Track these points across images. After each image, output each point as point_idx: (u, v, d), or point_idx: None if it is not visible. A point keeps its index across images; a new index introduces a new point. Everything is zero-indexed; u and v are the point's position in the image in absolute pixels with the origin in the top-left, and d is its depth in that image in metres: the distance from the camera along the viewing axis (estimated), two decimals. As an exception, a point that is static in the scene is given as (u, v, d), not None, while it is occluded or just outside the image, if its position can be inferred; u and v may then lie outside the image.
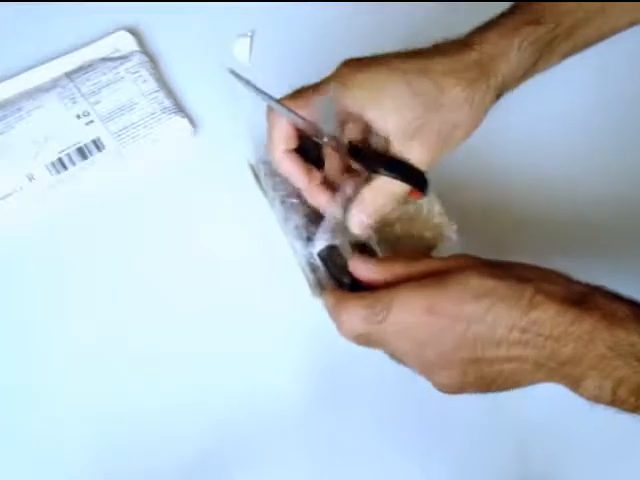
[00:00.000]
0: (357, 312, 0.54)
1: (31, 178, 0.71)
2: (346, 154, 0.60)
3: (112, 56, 0.77)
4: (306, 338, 0.68)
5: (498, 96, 0.60)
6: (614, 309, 0.51)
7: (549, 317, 0.51)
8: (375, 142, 0.60)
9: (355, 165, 0.61)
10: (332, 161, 0.62)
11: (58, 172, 0.72)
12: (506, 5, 0.62)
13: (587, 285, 0.53)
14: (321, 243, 0.61)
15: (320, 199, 0.62)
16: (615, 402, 0.51)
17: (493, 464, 0.65)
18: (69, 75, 0.76)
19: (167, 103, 0.75)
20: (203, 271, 0.70)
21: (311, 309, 0.67)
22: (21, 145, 0.72)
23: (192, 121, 0.76)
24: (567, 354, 0.51)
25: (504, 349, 0.52)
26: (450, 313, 0.52)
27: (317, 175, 0.62)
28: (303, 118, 0.60)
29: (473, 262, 0.54)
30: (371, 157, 0.59)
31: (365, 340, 0.55)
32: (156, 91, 0.76)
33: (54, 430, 0.65)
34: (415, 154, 0.58)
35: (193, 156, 0.75)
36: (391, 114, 0.58)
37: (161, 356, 0.67)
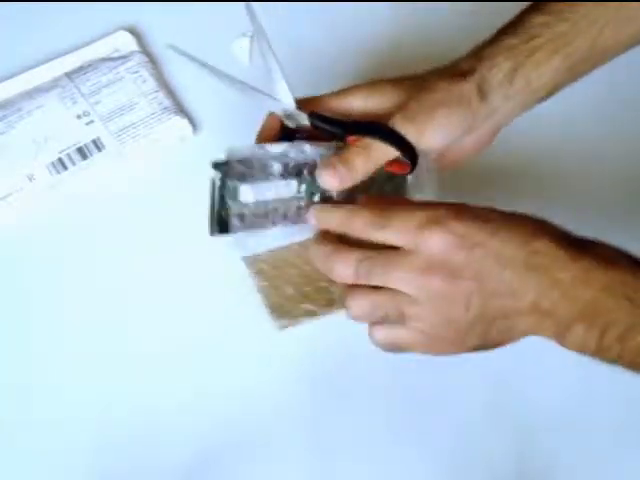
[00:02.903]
0: (362, 217, 0.54)
1: (31, 178, 0.72)
2: (312, 122, 0.60)
3: (112, 56, 0.77)
4: (306, 337, 0.68)
5: (481, 91, 0.60)
6: (610, 254, 0.52)
7: (550, 250, 0.51)
8: None
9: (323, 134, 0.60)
10: (269, 124, 0.63)
11: (58, 172, 0.72)
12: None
13: (581, 237, 0.53)
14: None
15: None
16: (600, 351, 0.51)
17: (491, 460, 0.65)
18: (69, 75, 0.76)
19: (167, 103, 0.75)
20: (203, 271, 0.70)
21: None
22: (21, 145, 0.72)
23: (192, 121, 0.76)
24: (561, 293, 0.51)
25: (507, 280, 0.52)
26: (455, 230, 0.52)
27: None
28: (257, 90, 0.60)
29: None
30: (348, 124, 0.60)
31: (371, 265, 0.54)
32: (156, 91, 0.76)
33: (53, 429, 0.65)
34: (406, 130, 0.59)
35: (193, 156, 0.75)
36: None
37: (161, 355, 0.67)
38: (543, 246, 0.51)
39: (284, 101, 0.61)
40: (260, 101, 0.61)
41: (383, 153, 0.59)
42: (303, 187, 0.60)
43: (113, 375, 0.66)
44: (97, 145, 0.73)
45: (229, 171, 0.59)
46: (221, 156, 0.59)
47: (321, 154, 0.60)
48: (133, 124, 0.74)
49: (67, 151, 0.72)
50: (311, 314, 0.66)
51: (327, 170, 0.59)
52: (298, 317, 0.66)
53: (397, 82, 0.62)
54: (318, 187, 0.60)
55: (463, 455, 0.65)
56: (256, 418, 0.66)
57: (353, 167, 0.59)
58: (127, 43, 0.78)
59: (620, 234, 0.54)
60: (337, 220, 0.56)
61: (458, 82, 0.59)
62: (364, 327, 0.63)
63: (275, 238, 0.61)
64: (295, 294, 0.67)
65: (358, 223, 0.55)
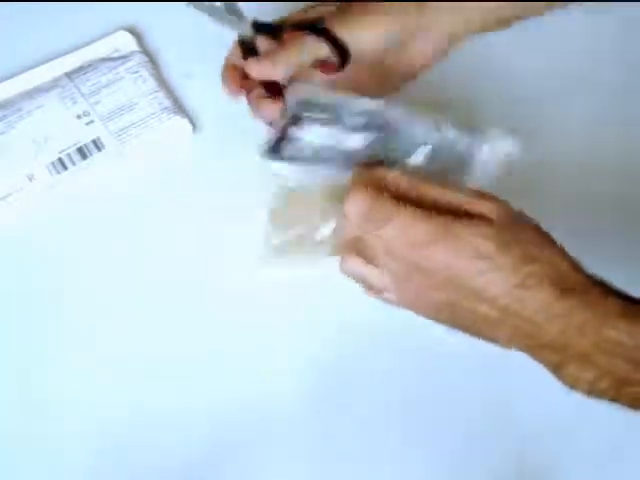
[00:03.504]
0: (361, 209, 0.54)
1: (31, 178, 0.72)
2: (252, 32, 0.63)
3: (112, 56, 0.77)
4: (307, 338, 0.68)
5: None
6: (607, 305, 0.50)
7: (540, 300, 0.50)
8: None
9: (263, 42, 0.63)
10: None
11: (58, 172, 0.72)
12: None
13: (585, 275, 0.52)
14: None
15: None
16: (593, 393, 0.51)
17: (490, 463, 0.65)
18: (69, 75, 0.76)
19: (167, 103, 0.75)
20: (203, 271, 0.70)
21: (311, 309, 0.68)
22: (21, 145, 0.72)
23: (192, 121, 0.76)
24: (548, 340, 0.51)
25: (486, 307, 0.52)
26: (443, 260, 0.52)
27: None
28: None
29: (490, 212, 0.53)
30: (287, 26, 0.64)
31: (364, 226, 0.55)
32: (156, 91, 0.76)
33: (53, 429, 0.65)
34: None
35: (193, 156, 0.75)
36: None
37: (161, 357, 0.67)
38: (535, 295, 0.51)
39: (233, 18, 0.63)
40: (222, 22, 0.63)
41: (310, 47, 0.62)
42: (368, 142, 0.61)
43: (113, 375, 0.66)
44: (97, 145, 0.73)
45: (304, 107, 0.61)
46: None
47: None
48: (133, 124, 0.74)
49: (67, 151, 0.72)
50: (296, 261, 0.66)
51: (252, 60, 0.62)
52: (285, 255, 0.66)
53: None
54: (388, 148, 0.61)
55: (463, 455, 0.65)
56: (256, 419, 0.66)
57: (276, 58, 0.62)
58: (127, 43, 0.78)
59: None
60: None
61: None
62: (365, 328, 0.63)
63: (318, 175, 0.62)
64: (297, 238, 0.66)
65: (355, 214, 0.55)
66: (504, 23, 0.66)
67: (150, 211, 0.73)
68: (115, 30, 0.79)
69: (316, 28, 0.63)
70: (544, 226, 0.54)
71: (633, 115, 0.77)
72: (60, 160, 0.72)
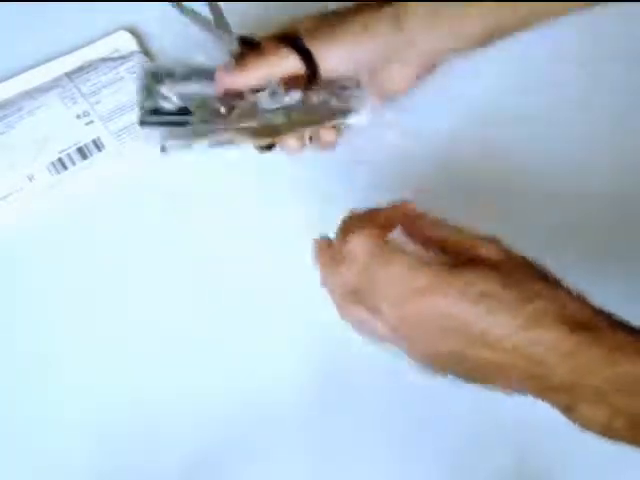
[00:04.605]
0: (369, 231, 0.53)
1: (31, 178, 0.72)
2: (237, 45, 0.65)
3: (112, 56, 0.77)
4: (307, 338, 0.68)
5: (398, 20, 0.62)
6: (617, 340, 0.48)
7: (547, 339, 0.48)
8: None
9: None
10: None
11: (58, 172, 0.72)
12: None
13: (595, 310, 0.50)
14: None
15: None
16: (607, 433, 0.49)
17: (491, 464, 0.65)
18: (69, 75, 0.76)
19: (167, 103, 0.75)
20: (204, 270, 0.70)
21: (310, 310, 0.68)
22: (21, 145, 0.72)
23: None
24: (558, 381, 0.48)
25: (490, 352, 0.49)
26: (444, 305, 0.50)
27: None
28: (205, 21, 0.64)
29: (491, 253, 0.52)
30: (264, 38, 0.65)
31: (368, 260, 0.53)
32: (156, 91, 0.76)
33: (52, 429, 0.65)
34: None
35: (193, 156, 0.75)
36: None
37: (161, 355, 0.67)
38: (542, 336, 0.48)
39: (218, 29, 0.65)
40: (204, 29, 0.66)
41: (280, 60, 0.62)
42: None
43: (113, 374, 0.67)
44: (97, 145, 0.73)
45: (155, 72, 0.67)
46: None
47: None
48: (133, 124, 0.74)
49: (67, 151, 0.72)
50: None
51: (221, 70, 0.64)
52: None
53: (321, 12, 0.65)
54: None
55: (463, 455, 0.65)
56: (257, 418, 0.66)
57: (245, 67, 0.63)
58: (127, 43, 0.78)
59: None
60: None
61: (369, 11, 0.62)
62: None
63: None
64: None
65: (357, 249, 0.53)
66: (496, 35, 0.64)
67: (150, 211, 0.73)
68: (115, 30, 0.78)
69: (292, 41, 0.63)
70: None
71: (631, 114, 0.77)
72: (60, 160, 0.72)
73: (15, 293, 0.70)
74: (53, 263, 0.70)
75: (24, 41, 0.78)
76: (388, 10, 0.62)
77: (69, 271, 0.70)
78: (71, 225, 0.72)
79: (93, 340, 0.68)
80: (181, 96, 0.65)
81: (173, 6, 0.65)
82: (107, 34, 0.78)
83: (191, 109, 0.65)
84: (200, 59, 0.68)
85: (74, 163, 0.72)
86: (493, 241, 0.53)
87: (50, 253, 0.71)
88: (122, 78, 0.76)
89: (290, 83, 0.63)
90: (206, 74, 0.66)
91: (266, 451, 0.65)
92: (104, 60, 0.77)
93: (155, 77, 0.67)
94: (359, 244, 0.53)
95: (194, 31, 0.79)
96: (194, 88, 0.66)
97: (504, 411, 0.65)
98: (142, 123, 0.66)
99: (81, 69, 0.76)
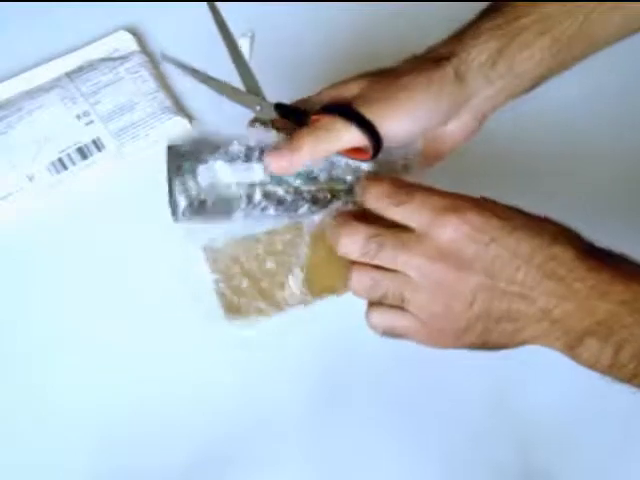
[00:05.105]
0: (381, 190, 0.52)
1: (31, 178, 0.72)
2: (274, 112, 0.58)
3: (112, 56, 0.77)
4: (307, 337, 0.68)
5: (458, 75, 0.57)
6: (631, 268, 0.50)
7: (568, 258, 0.49)
8: None
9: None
10: None
11: (58, 172, 0.72)
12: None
13: (604, 247, 0.51)
14: None
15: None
16: (613, 368, 0.50)
17: (495, 461, 0.65)
18: (69, 75, 0.76)
19: (167, 103, 0.75)
20: (204, 271, 0.70)
21: (310, 310, 0.68)
22: (21, 145, 0.72)
23: (192, 121, 0.76)
24: (577, 303, 0.49)
25: (519, 281, 0.50)
26: (474, 222, 0.50)
27: None
28: (236, 89, 0.59)
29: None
30: (313, 110, 0.57)
31: (374, 246, 0.52)
32: (156, 91, 0.76)
33: (52, 429, 0.65)
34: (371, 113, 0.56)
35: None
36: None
37: (160, 354, 0.67)
38: (562, 252, 0.49)
39: (253, 99, 0.59)
40: (235, 101, 0.60)
41: (338, 134, 0.56)
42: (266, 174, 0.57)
43: (113, 373, 0.67)
44: (97, 145, 0.73)
45: (186, 153, 0.57)
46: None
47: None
48: (133, 124, 0.74)
49: (67, 151, 0.72)
50: (263, 313, 0.62)
51: (270, 153, 0.56)
52: (249, 315, 0.62)
53: (369, 72, 0.59)
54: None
55: (463, 456, 0.65)
56: (256, 418, 0.66)
57: (298, 148, 0.55)
58: (127, 43, 0.78)
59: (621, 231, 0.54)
60: (359, 189, 0.54)
61: (429, 67, 0.57)
62: (363, 325, 0.62)
63: (238, 227, 0.58)
64: (250, 289, 0.61)
65: (377, 193, 0.52)
66: (547, 78, 0.61)
67: (150, 211, 0.72)
68: (115, 30, 0.79)
69: (348, 112, 0.56)
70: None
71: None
72: (60, 160, 0.72)
73: (15, 293, 0.70)
74: (53, 263, 0.71)
75: (24, 41, 0.79)
76: (447, 65, 0.57)
77: (69, 270, 0.70)
78: (71, 225, 0.72)
79: (93, 340, 0.68)
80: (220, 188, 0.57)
81: (196, 77, 0.60)
82: (107, 34, 0.78)
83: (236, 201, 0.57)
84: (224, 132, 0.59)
85: (74, 163, 0.72)
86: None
87: (50, 253, 0.71)
88: (122, 78, 0.76)
89: (356, 156, 0.58)
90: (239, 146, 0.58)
91: (266, 451, 0.65)
92: (104, 60, 0.77)
93: (185, 161, 0.57)
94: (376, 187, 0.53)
95: (194, 31, 0.79)
96: (234, 173, 0.57)
97: (507, 408, 0.65)
98: (179, 218, 0.58)
99: (81, 69, 0.76)
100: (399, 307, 0.53)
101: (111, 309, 0.69)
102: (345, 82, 0.59)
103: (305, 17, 0.80)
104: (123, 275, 0.70)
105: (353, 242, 0.52)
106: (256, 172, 0.57)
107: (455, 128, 0.59)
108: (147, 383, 0.66)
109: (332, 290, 0.60)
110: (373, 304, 0.54)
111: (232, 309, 0.61)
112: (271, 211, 0.57)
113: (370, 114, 0.56)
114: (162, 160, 0.74)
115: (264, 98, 0.59)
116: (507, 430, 0.65)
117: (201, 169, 0.57)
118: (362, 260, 0.52)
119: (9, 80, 0.76)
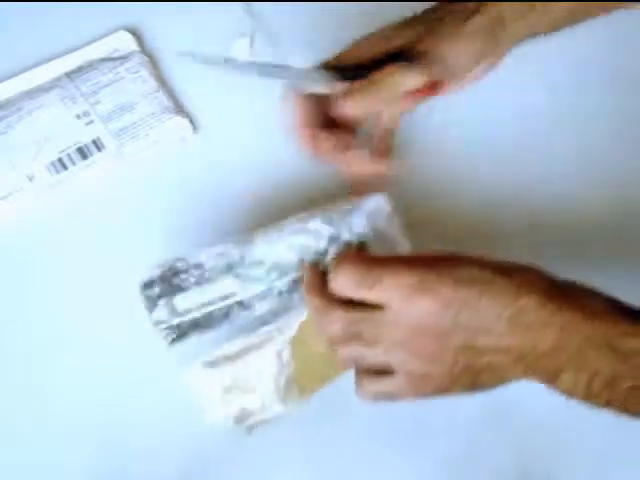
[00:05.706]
0: (349, 276, 0.55)
1: (31, 178, 0.72)
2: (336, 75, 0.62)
3: (112, 56, 0.77)
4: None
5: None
6: (590, 302, 0.52)
7: (532, 307, 0.52)
8: None
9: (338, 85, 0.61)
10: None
11: (58, 172, 0.72)
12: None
13: (564, 280, 0.54)
14: None
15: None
16: (589, 396, 0.52)
17: (493, 463, 0.65)
18: (69, 75, 0.76)
19: (167, 103, 0.75)
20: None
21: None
22: (21, 145, 0.72)
23: (192, 121, 0.76)
24: (548, 345, 0.52)
25: (494, 338, 0.53)
26: (444, 296, 0.53)
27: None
28: (275, 65, 0.61)
29: (458, 255, 0.55)
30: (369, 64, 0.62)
31: (354, 330, 0.55)
32: (156, 91, 0.76)
33: (52, 429, 0.65)
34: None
35: (193, 156, 0.75)
36: None
37: (161, 355, 0.67)
38: (526, 302, 0.52)
39: (298, 66, 0.62)
40: (279, 77, 0.62)
41: (401, 78, 0.61)
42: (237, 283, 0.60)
43: (113, 373, 0.67)
44: (97, 145, 0.73)
45: (159, 290, 0.62)
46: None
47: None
48: (133, 124, 0.74)
49: (67, 151, 0.72)
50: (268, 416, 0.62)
51: (342, 97, 0.60)
52: (257, 419, 0.62)
53: (409, 22, 0.64)
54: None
55: (463, 456, 0.65)
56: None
57: (365, 91, 0.61)
58: (127, 43, 0.78)
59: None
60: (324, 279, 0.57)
61: (464, 6, 0.63)
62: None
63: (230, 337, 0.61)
64: (258, 399, 0.62)
65: (345, 280, 0.55)
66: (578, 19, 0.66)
67: (150, 211, 0.73)
68: (115, 30, 0.78)
69: (406, 58, 0.62)
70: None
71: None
72: (60, 160, 0.72)
73: (15, 293, 0.70)
74: (53, 263, 0.71)
75: (24, 41, 0.79)
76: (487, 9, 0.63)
77: (69, 270, 0.70)
78: (71, 225, 0.72)
79: (93, 340, 0.68)
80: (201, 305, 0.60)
81: (222, 64, 0.62)
82: (107, 34, 0.78)
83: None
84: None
85: (74, 163, 0.72)
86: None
87: (50, 253, 0.71)
88: (122, 78, 0.76)
89: (416, 96, 0.63)
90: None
91: (266, 451, 0.65)
92: (104, 60, 0.77)
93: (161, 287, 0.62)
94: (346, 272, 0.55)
95: (194, 31, 0.79)
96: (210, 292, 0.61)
97: (504, 412, 0.65)
98: (173, 341, 0.61)
99: (81, 69, 0.76)
100: (387, 373, 0.56)
101: (111, 309, 0.69)
102: (389, 34, 0.64)
103: (306, 17, 0.80)
104: (123, 275, 0.70)
105: (335, 329, 0.55)
106: (229, 286, 0.61)
107: (486, 64, 0.65)
108: (147, 383, 0.66)
109: (325, 380, 0.63)
110: (361, 372, 0.57)
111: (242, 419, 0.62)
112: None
113: (430, 48, 0.62)
114: (162, 160, 0.75)
115: (316, 67, 0.62)
116: (506, 435, 0.65)
117: (177, 299, 0.61)
118: (349, 343, 0.56)
119: (9, 80, 0.76)
